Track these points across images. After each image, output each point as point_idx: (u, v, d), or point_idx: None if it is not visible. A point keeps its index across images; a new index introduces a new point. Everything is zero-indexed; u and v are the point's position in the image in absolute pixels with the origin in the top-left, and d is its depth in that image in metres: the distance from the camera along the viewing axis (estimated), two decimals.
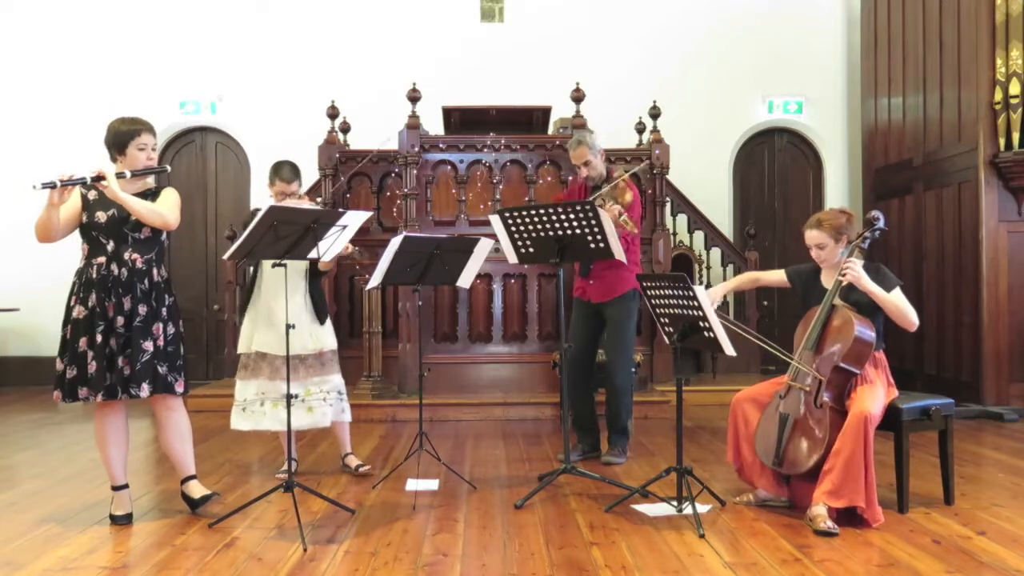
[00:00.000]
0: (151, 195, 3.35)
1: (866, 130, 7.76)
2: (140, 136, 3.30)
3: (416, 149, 6.33)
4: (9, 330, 8.04)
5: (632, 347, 4.52)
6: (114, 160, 3.35)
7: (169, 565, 2.84)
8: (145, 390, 3.21)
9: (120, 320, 3.20)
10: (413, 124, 6.37)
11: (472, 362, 6.33)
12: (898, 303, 3.33)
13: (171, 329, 3.34)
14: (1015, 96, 5.69)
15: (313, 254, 3.34)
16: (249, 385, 4.01)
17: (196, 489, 3.43)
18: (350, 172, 6.65)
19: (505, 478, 4.12)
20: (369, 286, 3.97)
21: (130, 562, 2.89)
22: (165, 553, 2.96)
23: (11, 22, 8.18)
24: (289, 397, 3.46)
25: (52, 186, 3.05)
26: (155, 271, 3.32)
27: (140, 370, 3.20)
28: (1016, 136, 5.73)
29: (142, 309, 3.24)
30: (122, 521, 3.30)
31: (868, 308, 3.37)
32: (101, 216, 3.25)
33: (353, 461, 4.24)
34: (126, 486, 3.37)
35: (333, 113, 6.96)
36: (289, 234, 3.19)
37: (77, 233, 3.34)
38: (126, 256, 3.25)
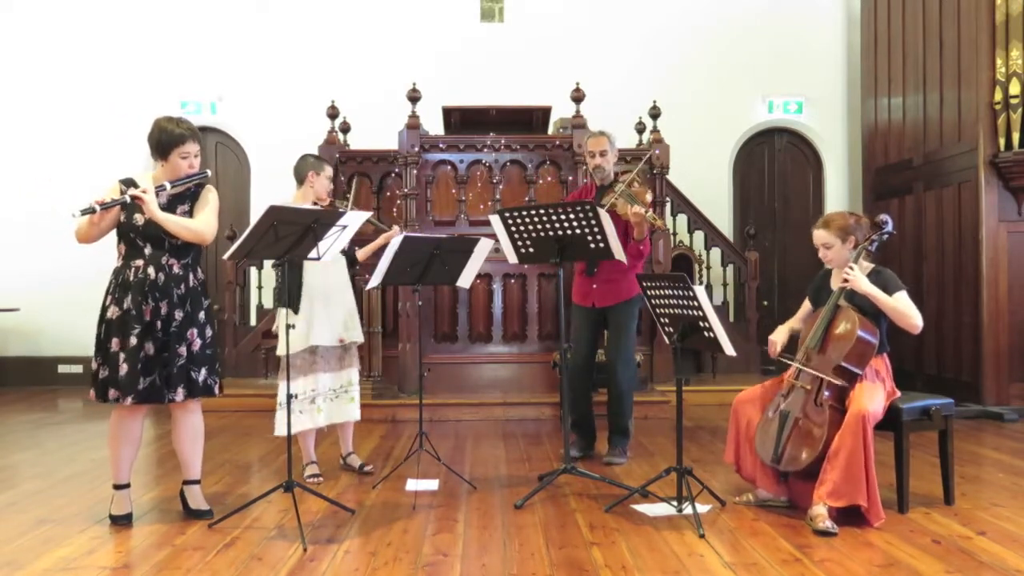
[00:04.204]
0: (191, 195, 3.35)
1: (866, 130, 7.76)
2: (184, 144, 3.25)
3: (416, 149, 6.33)
4: (9, 330, 8.04)
5: (633, 348, 4.53)
6: (154, 158, 3.32)
7: (169, 565, 2.84)
8: (180, 395, 3.23)
9: (158, 325, 3.21)
10: (413, 124, 6.37)
11: (472, 362, 6.33)
12: (898, 306, 3.33)
13: (208, 332, 3.36)
14: (1015, 96, 5.69)
15: (313, 254, 3.34)
16: (297, 383, 3.90)
17: (195, 498, 3.44)
18: (350, 172, 6.67)
19: (505, 478, 4.12)
20: (369, 286, 3.97)
21: (130, 562, 2.89)
22: (165, 553, 2.96)
23: (11, 22, 8.18)
24: (289, 397, 3.46)
25: (92, 212, 3.08)
26: (192, 275, 3.33)
27: (176, 375, 3.22)
28: (1016, 136, 5.73)
29: (178, 314, 3.25)
30: (122, 521, 3.30)
31: (872, 310, 3.37)
32: (139, 218, 3.22)
33: (356, 461, 4.26)
34: (128, 485, 3.37)
35: (333, 113, 6.96)
36: (289, 234, 3.20)
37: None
38: (163, 261, 3.25)
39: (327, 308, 3.99)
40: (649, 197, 4.17)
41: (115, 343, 3.19)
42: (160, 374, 3.22)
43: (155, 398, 3.22)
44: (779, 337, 3.61)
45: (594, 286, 4.39)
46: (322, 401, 3.98)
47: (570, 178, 6.43)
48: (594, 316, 4.46)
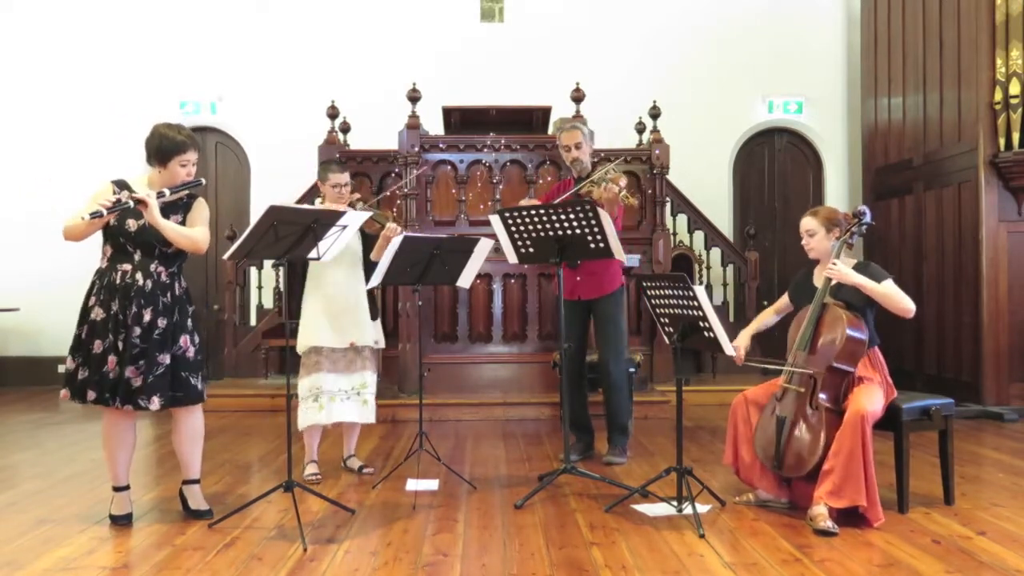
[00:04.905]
0: (183, 206, 3.35)
1: (866, 130, 7.76)
2: (185, 152, 3.27)
3: (416, 149, 6.33)
4: (9, 330, 8.04)
5: (625, 342, 4.52)
6: (150, 164, 3.32)
7: (169, 565, 2.84)
8: (155, 403, 3.19)
9: (136, 331, 3.19)
10: (413, 124, 6.37)
11: (472, 362, 6.33)
12: (888, 292, 3.33)
13: (196, 338, 3.36)
14: (1015, 96, 5.69)
15: (313, 254, 3.34)
16: (304, 381, 4.03)
17: (195, 498, 3.44)
18: (351, 173, 6.66)
19: (505, 478, 4.12)
20: (369, 286, 3.97)
21: (130, 562, 2.89)
22: (165, 553, 2.96)
23: (11, 22, 8.18)
24: (289, 397, 3.46)
25: (100, 215, 3.07)
26: (177, 284, 3.33)
27: (152, 383, 3.19)
28: (1016, 136, 5.73)
29: (161, 322, 3.23)
30: (122, 521, 3.30)
31: (858, 305, 3.38)
32: (132, 224, 3.22)
33: (356, 463, 4.26)
34: (127, 487, 3.37)
35: (333, 113, 6.97)
36: (289, 234, 3.19)
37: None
38: (152, 268, 3.25)
39: (332, 310, 4.00)
40: (624, 181, 4.16)
41: (97, 344, 3.18)
42: (132, 380, 3.16)
43: (126, 404, 3.16)
44: (742, 342, 3.63)
45: (578, 278, 4.38)
46: (327, 400, 3.98)
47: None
48: (581, 309, 4.45)
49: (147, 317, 3.21)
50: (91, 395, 3.17)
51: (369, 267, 4.10)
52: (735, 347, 3.59)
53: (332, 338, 3.99)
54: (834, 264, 3.35)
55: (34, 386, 7.86)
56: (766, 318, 3.75)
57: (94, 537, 3.16)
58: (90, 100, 8.16)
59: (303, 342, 4.01)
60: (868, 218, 3.46)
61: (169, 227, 3.19)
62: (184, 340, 3.29)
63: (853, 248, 3.56)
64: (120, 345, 3.17)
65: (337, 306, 4.01)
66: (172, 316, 3.27)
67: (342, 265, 4.00)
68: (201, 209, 3.39)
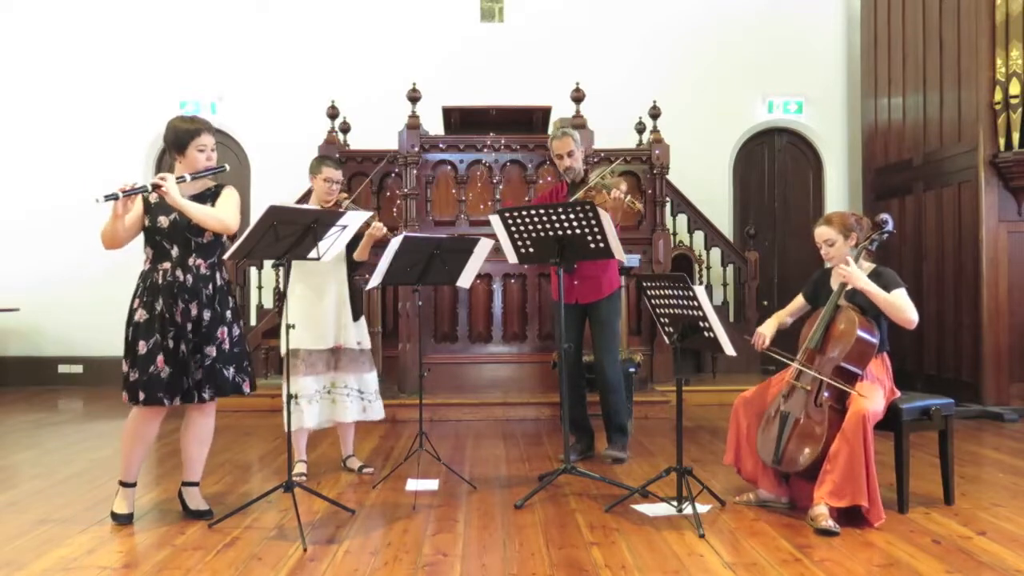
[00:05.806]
0: (211, 195, 3.36)
1: (866, 130, 7.76)
2: (200, 136, 3.30)
3: (416, 149, 6.33)
4: (9, 330, 8.04)
5: (619, 343, 4.52)
6: (172, 158, 3.35)
7: (169, 565, 2.84)
8: (207, 393, 3.26)
9: (189, 327, 3.22)
10: (413, 124, 6.37)
11: (472, 362, 6.33)
12: (894, 301, 3.33)
13: (236, 331, 3.37)
14: (1015, 96, 5.69)
15: (313, 254, 3.34)
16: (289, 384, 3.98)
17: (195, 499, 3.44)
18: (351, 173, 6.66)
19: (505, 478, 4.12)
20: (369, 286, 3.96)
21: (130, 562, 2.89)
22: (165, 553, 2.96)
23: (11, 22, 8.18)
24: (289, 397, 3.46)
25: (115, 198, 3.08)
26: (218, 275, 3.35)
27: (205, 376, 3.26)
28: (1016, 136, 5.73)
29: (207, 314, 3.26)
30: (122, 521, 3.30)
31: (873, 310, 3.37)
32: (163, 221, 3.24)
33: (355, 463, 4.25)
34: (135, 484, 3.38)
35: (333, 113, 6.97)
36: (289, 234, 3.20)
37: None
38: (191, 262, 3.26)
39: (313, 312, 3.97)
40: (624, 186, 4.16)
41: (142, 346, 3.19)
42: (192, 375, 3.24)
43: (187, 399, 3.24)
44: (767, 330, 3.63)
45: (575, 283, 4.37)
46: (305, 403, 3.94)
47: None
48: (578, 312, 4.44)
49: (194, 312, 3.24)
50: (141, 395, 3.19)
51: (352, 268, 4.09)
52: (759, 333, 3.61)
53: (311, 340, 3.96)
54: (847, 264, 3.35)
55: (34, 386, 7.86)
56: (783, 318, 3.73)
57: (94, 537, 3.16)
58: (90, 100, 8.15)
59: (283, 345, 3.95)
60: (890, 226, 3.48)
61: (192, 207, 3.19)
62: (221, 332, 3.31)
63: (873, 254, 3.55)
64: (171, 344, 3.18)
65: (319, 308, 3.98)
66: (214, 308, 3.29)
67: (325, 266, 3.92)
68: (229, 193, 3.41)
